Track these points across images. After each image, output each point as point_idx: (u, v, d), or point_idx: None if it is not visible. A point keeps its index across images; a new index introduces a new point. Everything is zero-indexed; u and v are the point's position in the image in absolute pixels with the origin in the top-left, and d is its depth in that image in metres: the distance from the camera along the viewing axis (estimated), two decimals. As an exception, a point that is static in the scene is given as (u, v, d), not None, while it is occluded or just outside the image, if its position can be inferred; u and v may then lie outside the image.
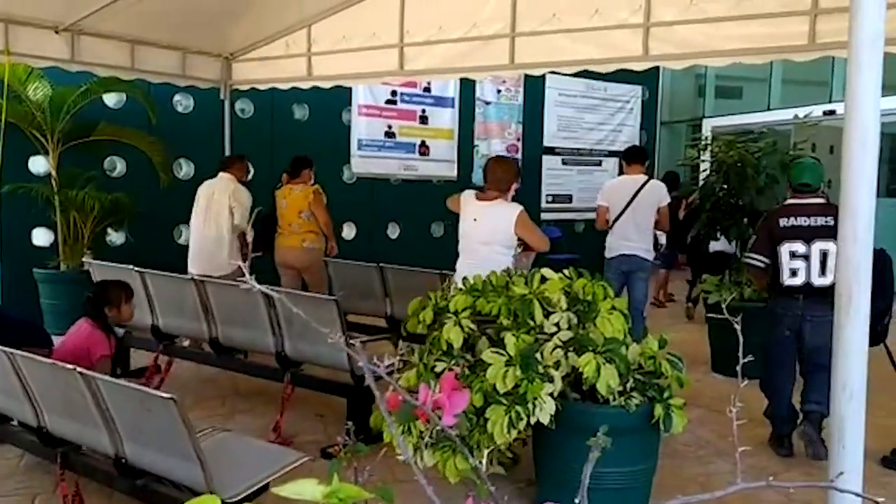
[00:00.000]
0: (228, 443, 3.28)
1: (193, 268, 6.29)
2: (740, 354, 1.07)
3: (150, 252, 7.51)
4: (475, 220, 4.64)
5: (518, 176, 4.90)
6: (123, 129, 7.43)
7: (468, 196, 4.79)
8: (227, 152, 7.94)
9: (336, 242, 6.92)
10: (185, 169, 8.47)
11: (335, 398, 4.85)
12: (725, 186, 6.63)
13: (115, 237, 7.86)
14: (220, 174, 6.54)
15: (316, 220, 6.56)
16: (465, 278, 3.97)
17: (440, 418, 0.89)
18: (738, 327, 1.18)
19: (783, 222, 4.62)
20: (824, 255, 4.39)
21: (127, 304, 4.24)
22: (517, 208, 4.62)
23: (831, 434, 1.20)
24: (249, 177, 6.87)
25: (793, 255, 4.52)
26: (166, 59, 6.97)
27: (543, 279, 3.73)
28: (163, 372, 5.39)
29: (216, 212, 6.37)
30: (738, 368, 1.07)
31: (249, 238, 6.47)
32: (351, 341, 4.36)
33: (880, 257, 4.40)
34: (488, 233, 4.56)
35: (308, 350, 4.70)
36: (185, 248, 8.35)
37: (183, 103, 8.41)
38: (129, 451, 3.01)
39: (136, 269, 5.40)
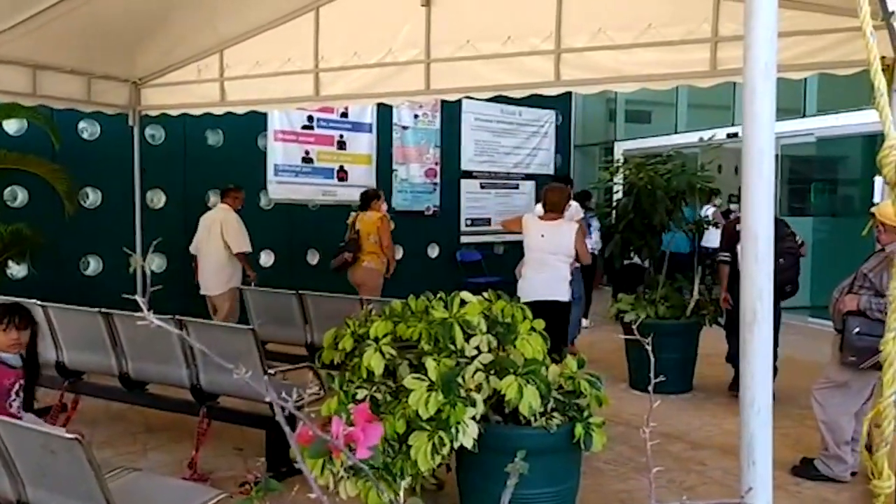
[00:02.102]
0: (141, 483, 3.13)
1: (202, 289, 7.25)
2: (652, 374, 1.09)
3: (55, 285, 7.21)
4: (543, 235, 5.75)
5: (569, 199, 6.28)
6: (25, 156, 7.11)
7: (530, 217, 6.01)
8: (137, 180, 7.73)
9: (392, 267, 7.88)
10: (91, 197, 8.17)
11: (254, 430, 4.72)
12: (637, 207, 6.82)
13: (17, 270, 7.48)
14: (219, 204, 7.44)
15: (380, 244, 7.55)
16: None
17: (353, 452, 0.86)
18: (648, 347, 1.20)
19: (738, 227, 5.57)
20: None
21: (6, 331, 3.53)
22: (575, 226, 5.88)
23: (740, 450, 1.22)
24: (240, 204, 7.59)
25: None
26: (70, 85, 6.72)
27: (463, 302, 3.74)
28: (69, 410, 5.14)
29: (214, 239, 7.18)
30: (650, 388, 1.09)
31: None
32: (270, 371, 4.26)
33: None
34: (556, 245, 5.69)
35: (225, 382, 4.56)
36: (92, 279, 8.10)
37: (89, 130, 8.14)
38: (31, 496, 2.84)
39: (39, 302, 5.15)
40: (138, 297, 0.89)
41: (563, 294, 5.63)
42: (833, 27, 4.58)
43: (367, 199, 7.85)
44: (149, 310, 0.89)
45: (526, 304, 5.16)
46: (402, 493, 1.00)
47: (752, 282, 1.19)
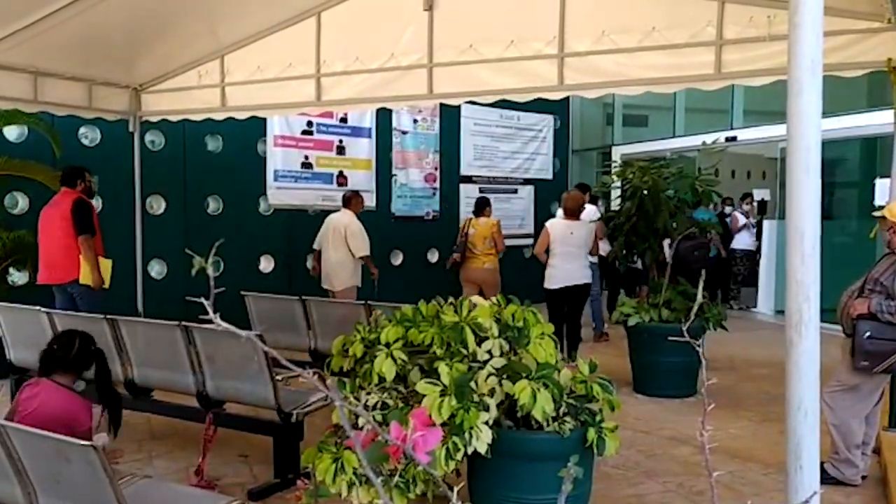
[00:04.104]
0: (152, 490, 3.11)
1: (324, 285, 8.04)
2: (704, 377, 1.07)
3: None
4: (572, 233, 7.08)
5: (584, 204, 7.53)
6: (26, 163, 7.07)
7: (555, 222, 7.34)
8: (138, 185, 7.73)
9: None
10: (92, 203, 8.10)
11: (259, 437, 4.69)
12: (640, 211, 6.81)
13: (18, 277, 7.43)
14: (343, 209, 8.15)
15: (495, 246, 8.25)
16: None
17: (413, 456, 0.85)
18: (699, 349, 1.18)
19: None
20: None
21: None
22: (594, 225, 7.39)
23: (787, 455, 1.20)
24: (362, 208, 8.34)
25: None
26: (72, 91, 6.72)
27: (473, 306, 3.72)
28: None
29: (337, 241, 7.94)
30: (704, 391, 1.07)
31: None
32: (278, 377, 4.20)
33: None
34: (582, 239, 7.13)
35: (231, 388, 4.52)
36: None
37: (89, 136, 8.10)
38: (43, 505, 2.81)
39: (44, 310, 5.12)
40: (204, 301, 0.87)
41: (588, 278, 7.25)
42: (839, 29, 4.59)
43: (481, 206, 8.59)
44: (215, 313, 0.87)
45: (558, 288, 7.05)
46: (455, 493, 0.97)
47: (799, 282, 1.17)
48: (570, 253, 7.03)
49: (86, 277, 6.11)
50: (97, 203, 8.10)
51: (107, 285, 6.28)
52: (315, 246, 8.30)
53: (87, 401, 3.42)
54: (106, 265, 6.33)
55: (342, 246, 7.97)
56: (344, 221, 8.06)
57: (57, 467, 2.66)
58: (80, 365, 3.46)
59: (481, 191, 12.10)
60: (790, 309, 1.23)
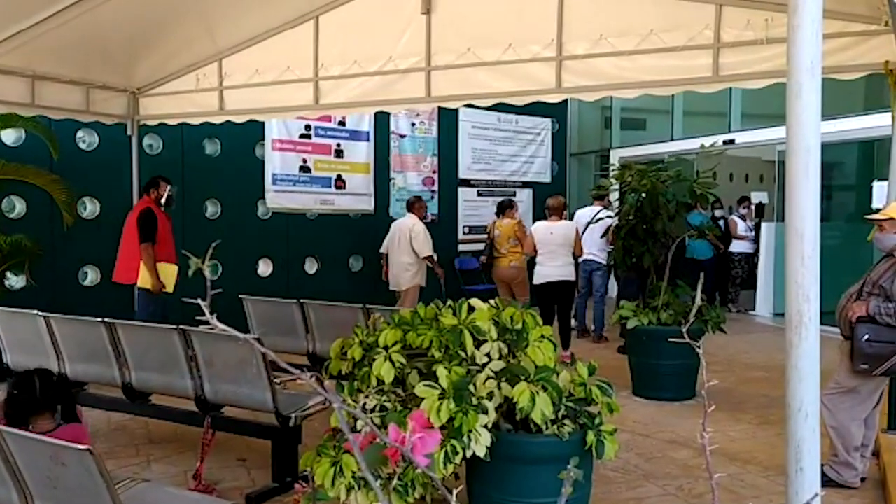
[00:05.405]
0: (150, 494, 3.09)
1: (392, 286, 8.76)
2: (704, 377, 1.07)
3: (54, 295, 7.17)
4: (552, 233, 7.71)
5: (565, 206, 8.09)
6: (23, 167, 7.06)
7: (538, 224, 8.02)
8: (136, 189, 7.70)
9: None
10: (89, 208, 8.11)
11: (258, 441, 4.68)
12: (639, 214, 6.81)
13: (15, 281, 7.42)
14: (407, 213, 8.88)
15: (520, 245, 8.47)
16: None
17: (411, 458, 0.84)
18: (699, 350, 1.18)
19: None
20: None
21: None
22: (575, 225, 8.07)
23: (787, 457, 1.19)
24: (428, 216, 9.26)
25: None
26: (69, 95, 6.70)
27: (471, 309, 3.71)
28: (71, 422, 5.08)
29: (403, 244, 8.58)
30: (704, 392, 1.07)
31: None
32: (276, 381, 4.19)
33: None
34: (563, 238, 7.70)
35: (230, 392, 4.51)
36: (91, 290, 8.03)
37: (86, 140, 8.08)
38: (40, 510, 2.80)
39: (41, 313, 5.10)
40: (201, 302, 0.86)
41: (571, 276, 7.80)
42: (836, 32, 4.59)
43: (503, 208, 8.95)
44: (211, 314, 0.87)
45: (544, 284, 7.71)
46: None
47: (798, 283, 1.16)
48: (551, 252, 7.67)
49: (144, 282, 6.57)
50: (94, 206, 8.11)
51: (170, 290, 6.64)
52: (382, 250, 8.97)
53: (75, 423, 3.29)
54: (171, 270, 6.67)
55: (408, 248, 8.58)
56: (408, 224, 8.69)
57: (53, 472, 2.64)
58: (50, 401, 3.24)
59: (479, 194, 12.14)
60: (790, 311, 1.22)
